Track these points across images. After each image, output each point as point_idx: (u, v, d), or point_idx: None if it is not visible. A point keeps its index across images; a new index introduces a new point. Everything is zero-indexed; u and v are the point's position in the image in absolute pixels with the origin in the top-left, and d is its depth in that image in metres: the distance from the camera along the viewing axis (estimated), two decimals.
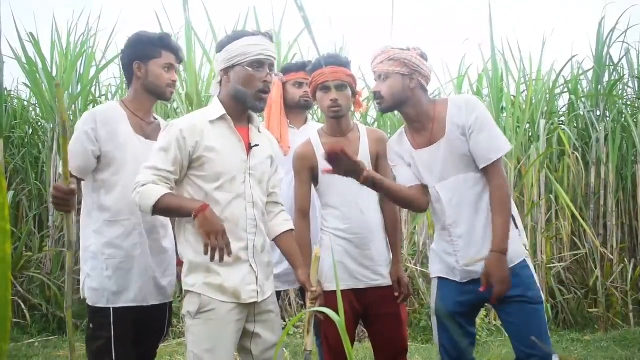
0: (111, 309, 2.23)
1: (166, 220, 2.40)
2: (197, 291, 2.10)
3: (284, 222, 2.34)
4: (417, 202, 2.37)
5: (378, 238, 2.49)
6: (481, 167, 2.24)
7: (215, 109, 2.19)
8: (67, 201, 2.02)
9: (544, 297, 2.32)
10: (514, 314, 2.23)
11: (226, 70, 2.18)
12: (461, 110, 2.25)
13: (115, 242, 2.25)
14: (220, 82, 2.23)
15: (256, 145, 2.22)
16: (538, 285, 2.28)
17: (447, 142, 2.26)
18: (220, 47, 2.22)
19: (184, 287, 2.15)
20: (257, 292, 2.15)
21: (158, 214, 2.11)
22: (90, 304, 2.26)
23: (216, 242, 2.01)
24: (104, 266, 2.24)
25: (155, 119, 2.44)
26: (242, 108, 2.21)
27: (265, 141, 2.31)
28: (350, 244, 2.45)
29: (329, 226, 2.50)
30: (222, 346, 2.09)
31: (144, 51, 2.32)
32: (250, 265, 2.15)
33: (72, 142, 2.25)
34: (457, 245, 2.27)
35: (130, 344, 2.27)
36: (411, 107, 2.31)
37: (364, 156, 2.50)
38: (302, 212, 2.52)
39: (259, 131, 2.29)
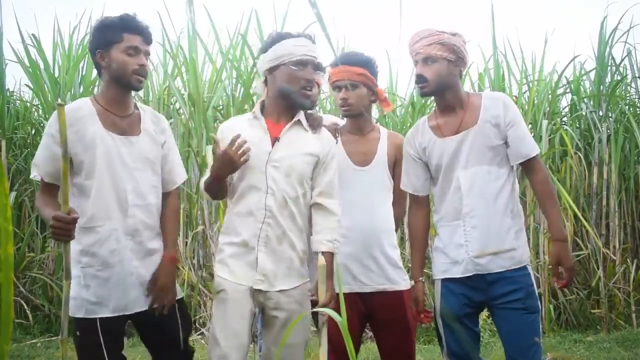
0: (97, 320, 2.08)
1: (151, 221, 2.22)
2: (215, 269, 2.30)
3: (325, 242, 2.25)
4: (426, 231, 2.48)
5: (386, 241, 2.46)
6: (519, 161, 2.28)
7: (255, 110, 2.33)
8: (69, 231, 1.90)
9: (546, 298, 2.34)
10: (511, 321, 2.24)
11: (271, 70, 2.29)
12: (497, 104, 2.29)
13: (90, 250, 2.09)
14: (266, 82, 2.35)
15: (278, 139, 2.26)
16: (536, 293, 2.30)
17: (478, 131, 2.27)
18: (264, 49, 2.33)
19: None
20: (261, 280, 2.21)
21: (208, 193, 2.28)
22: (69, 314, 2.04)
23: (233, 151, 2.14)
24: (81, 275, 2.10)
25: (137, 109, 2.26)
26: (287, 105, 2.30)
27: (311, 139, 2.30)
28: (356, 245, 2.42)
29: None
30: (231, 326, 2.17)
31: (104, 37, 2.13)
32: (257, 254, 2.21)
33: (40, 147, 2.14)
34: (470, 235, 2.26)
35: (141, 348, 2.21)
36: (450, 92, 2.32)
37: (381, 158, 2.50)
38: None
39: (307, 129, 2.30)
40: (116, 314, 2.12)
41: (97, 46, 2.14)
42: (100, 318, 2.09)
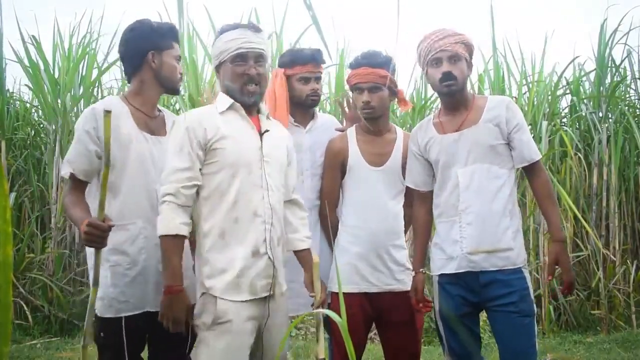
0: (123, 318, 2.07)
1: None
2: (215, 294, 2.03)
3: (305, 239, 2.28)
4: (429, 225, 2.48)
5: (395, 242, 2.46)
6: (523, 165, 2.30)
7: (223, 100, 2.18)
8: (104, 239, 1.87)
9: (546, 299, 2.34)
10: (505, 324, 2.23)
11: (217, 69, 2.23)
12: (500, 105, 2.32)
13: (120, 248, 2.09)
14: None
15: (267, 131, 2.18)
16: (532, 297, 2.29)
17: (478, 130, 2.28)
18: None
19: (200, 290, 2.08)
20: (273, 284, 2.10)
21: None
22: (97, 314, 2.07)
23: (169, 325, 2.01)
24: (108, 274, 2.07)
25: (160, 111, 2.32)
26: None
27: (278, 129, 2.28)
28: (365, 245, 2.42)
29: (346, 223, 2.48)
30: (237, 359, 2.03)
31: (158, 41, 2.21)
32: (269, 258, 2.09)
33: (74, 143, 2.13)
34: (465, 232, 2.26)
35: (153, 351, 2.17)
36: (462, 92, 2.35)
37: (396, 159, 2.50)
38: (331, 206, 2.53)
39: (268, 118, 2.26)
40: (144, 310, 2.12)
41: (151, 47, 2.20)
42: (125, 317, 2.08)
